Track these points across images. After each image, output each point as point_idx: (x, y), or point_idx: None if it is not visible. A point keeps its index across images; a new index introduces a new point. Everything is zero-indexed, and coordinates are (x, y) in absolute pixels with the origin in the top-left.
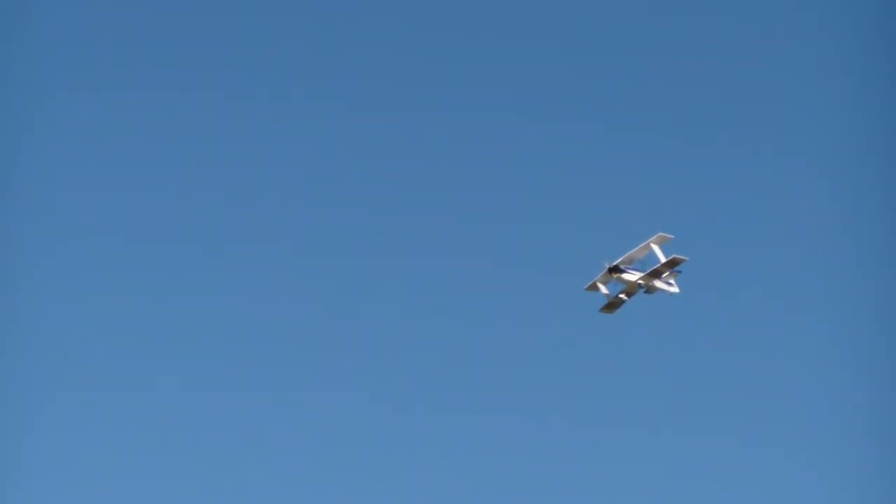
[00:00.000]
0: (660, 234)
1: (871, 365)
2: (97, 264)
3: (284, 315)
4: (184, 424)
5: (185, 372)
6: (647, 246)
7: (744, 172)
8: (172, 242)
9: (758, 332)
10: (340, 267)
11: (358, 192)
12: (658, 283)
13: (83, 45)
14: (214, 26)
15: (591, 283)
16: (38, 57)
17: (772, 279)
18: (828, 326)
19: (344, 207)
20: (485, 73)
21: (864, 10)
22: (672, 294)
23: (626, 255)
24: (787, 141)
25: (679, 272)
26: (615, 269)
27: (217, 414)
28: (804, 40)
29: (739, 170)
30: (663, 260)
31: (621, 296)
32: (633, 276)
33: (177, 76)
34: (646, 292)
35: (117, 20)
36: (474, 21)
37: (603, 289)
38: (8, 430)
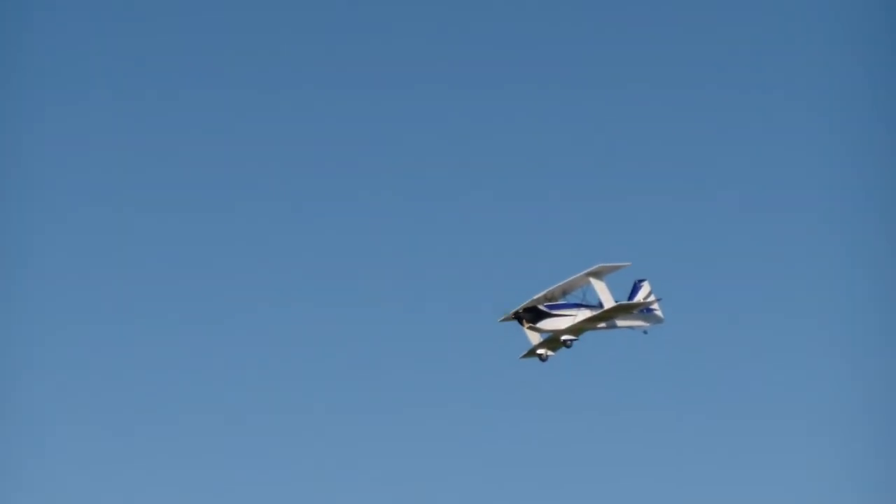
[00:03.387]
0: (600, 264)
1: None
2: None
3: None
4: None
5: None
6: (582, 280)
7: None
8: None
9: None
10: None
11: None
12: (622, 323)
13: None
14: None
15: (505, 316)
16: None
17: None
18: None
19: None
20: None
21: None
22: (647, 328)
23: (546, 292)
24: None
25: (658, 299)
26: (529, 315)
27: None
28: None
29: None
30: (608, 304)
31: (541, 351)
32: (556, 324)
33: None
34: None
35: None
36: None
37: (532, 337)
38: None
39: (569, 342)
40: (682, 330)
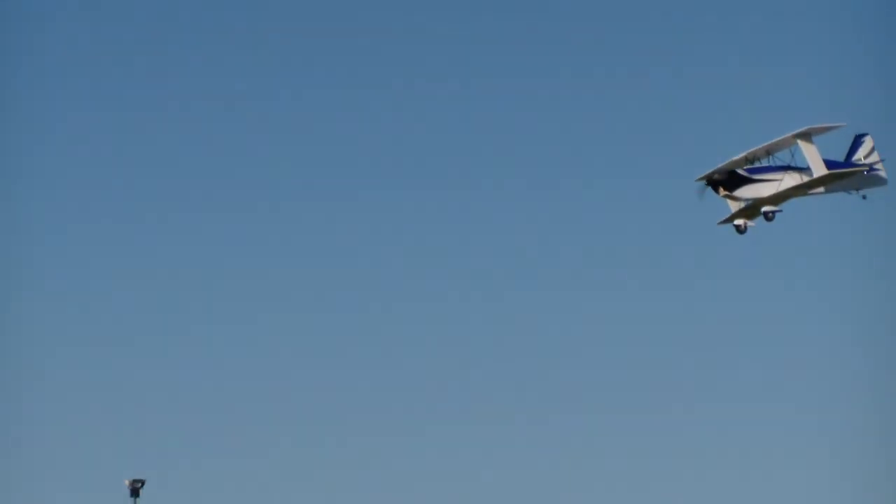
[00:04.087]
0: (808, 127)
1: None
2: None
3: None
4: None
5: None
6: (788, 141)
7: None
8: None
9: None
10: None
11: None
12: (837, 185)
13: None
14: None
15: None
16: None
17: None
18: None
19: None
20: None
21: None
22: (866, 192)
23: (748, 153)
24: None
25: (882, 158)
26: (726, 181)
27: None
28: None
29: None
30: (818, 171)
31: (739, 222)
32: (757, 191)
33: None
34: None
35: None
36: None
37: (732, 205)
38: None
39: (771, 214)
40: None
